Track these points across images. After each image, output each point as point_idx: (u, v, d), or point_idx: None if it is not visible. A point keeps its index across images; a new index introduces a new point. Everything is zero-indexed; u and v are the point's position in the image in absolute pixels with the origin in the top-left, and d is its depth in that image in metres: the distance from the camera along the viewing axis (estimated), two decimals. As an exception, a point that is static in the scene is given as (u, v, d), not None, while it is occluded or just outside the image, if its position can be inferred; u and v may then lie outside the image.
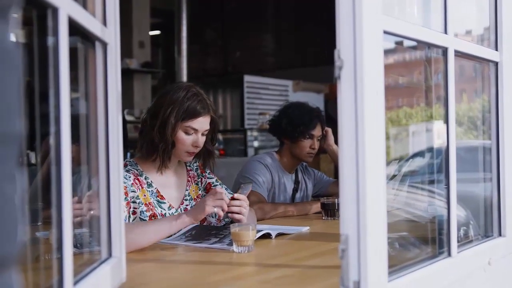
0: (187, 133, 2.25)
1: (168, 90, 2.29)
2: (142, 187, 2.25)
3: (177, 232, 2.12)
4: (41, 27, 1.06)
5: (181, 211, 2.32)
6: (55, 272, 1.05)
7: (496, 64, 1.85)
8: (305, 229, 2.40)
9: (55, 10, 1.02)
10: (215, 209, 2.08)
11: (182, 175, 2.43)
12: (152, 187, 2.28)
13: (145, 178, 2.28)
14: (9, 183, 0.57)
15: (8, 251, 0.57)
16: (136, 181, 2.23)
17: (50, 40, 1.04)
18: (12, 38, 0.59)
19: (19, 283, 0.61)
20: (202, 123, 2.27)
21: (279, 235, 2.22)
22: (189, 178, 2.44)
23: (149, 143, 2.26)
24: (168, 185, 2.35)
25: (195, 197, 2.42)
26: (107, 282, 1.32)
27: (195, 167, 2.49)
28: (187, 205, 2.37)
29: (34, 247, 1.36)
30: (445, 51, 1.55)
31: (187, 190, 2.41)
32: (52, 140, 1.03)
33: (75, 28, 1.15)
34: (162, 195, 2.29)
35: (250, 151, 7.61)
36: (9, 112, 0.57)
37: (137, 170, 2.27)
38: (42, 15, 1.04)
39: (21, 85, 0.60)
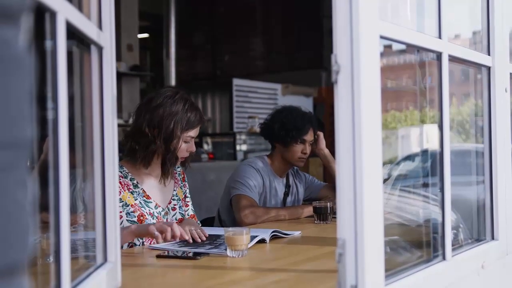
0: (186, 142, 2.36)
1: (164, 101, 2.31)
2: (125, 190, 2.29)
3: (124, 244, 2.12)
4: (37, 30, 1.05)
5: (168, 210, 2.42)
6: (52, 277, 1.04)
7: (489, 68, 1.86)
8: (297, 233, 2.40)
9: (53, 14, 1.01)
10: (156, 233, 1.98)
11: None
12: (138, 188, 2.34)
13: (131, 180, 2.33)
14: (21, 189, 0.56)
15: (20, 257, 0.57)
16: (119, 184, 2.25)
17: (48, 44, 1.03)
18: (23, 43, 0.59)
19: None
20: (198, 130, 2.40)
21: (273, 238, 2.23)
22: (176, 180, 2.53)
23: (151, 154, 2.32)
24: (155, 186, 2.41)
25: (182, 198, 2.52)
26: (103, 287, 1.31)
27: (178, 172, 2.57)
28: (175, 205, 2.46)
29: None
30: (439, 55, 1.56)
31: (174, 190, 2.49)
32: (50, 144, 1.02)
33: (71, 32, 1.14)
34: (148, 195, 2.35)
35: (239, 155, 7.60)
36: (21, 118, 0.57)
37: (121, 172, 2.29)
38: (38, 18, 1.03)
39: (32, 90, 0.60)
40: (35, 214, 0.61)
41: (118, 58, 7.63)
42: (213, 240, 2.17)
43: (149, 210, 2.32)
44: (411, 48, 1.64)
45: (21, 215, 0.57)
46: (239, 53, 10.28)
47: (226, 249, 1.92)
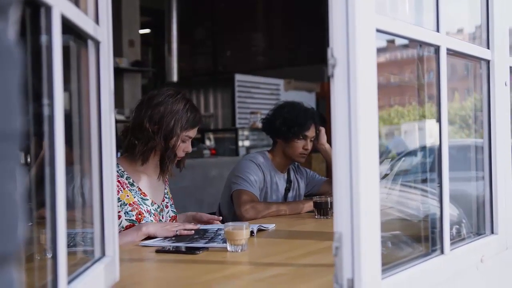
0: (183, 141, 2.39)
1: (165, 100, 2.36)
2: (124, 188, 2.33)
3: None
4: (33, 25, 1.05)
5: (162, 206, 2.47)
6: (49, 272, 1.05)
7: (488, 62, 1.86)
8: (271, 226, 2.43)
9: (48, 9, 1.01)
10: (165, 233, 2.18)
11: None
12: (134, 186, 2.37)
13: (126, 178, 2.37)
14: (10, 180, 0.57)
15: (9, 248, 0.57)
16: (117, 183, 2.27)
17: (43, 39, 1.04)
18: (12, 35, 0.59)
19: (19, 280, 0.61)
20: (196, 131, 2.44)
21: (259, 231, 2.27)
22: (166, 179, 2.56)
23: (150, 150, 2.35)
24: (149, 184, 2.44)
25: (171, 197, 2.57)
26: (101, 281, 1.32)
27: None
28: (167, 202, 2.51)
29: (26, 247, 1.36)
30: (437, 49, 1.56)
31: (165, 189, 2.54)
32: (45, 140, 1.03)
33: (68, 27, 1.14)
34: (144, 193, 2.39)
35: (242, 151, 7.60)
36: (11, 110, 0.57)
37: (117, 172, 2.31)
38: (34, 12, 1.03)
39: (21, 83, 0.61)
40: (25, 206, 0.62)
41: (120, 54, 7.63)
42: (202, 234, 2.17)
43: (146, 207, 2.36)
44: (413, 42, 1.63)
45: (11, 206, 0.57)
46: (240, 49, 10.28)
47: (222, 242, 1.93)
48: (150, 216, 2.35)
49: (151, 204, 2.39)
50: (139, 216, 2.30)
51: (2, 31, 0.56)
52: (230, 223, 1.99)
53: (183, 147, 2.40)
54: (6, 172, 0.56)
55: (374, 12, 1.25)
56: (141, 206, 2.33)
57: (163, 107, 2.33)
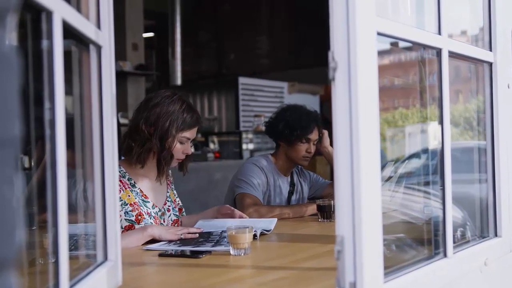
0: (181, 142, 2.38)
1: (162, 101, 2.36)
2: (125, 188, 2.34)
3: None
4: (34, 30, 1.05)
5: (164, 210, 2.46)
6: (51, 276, 1.05)
7: (491, 64, 1.85)
8: (273, 222, 2.44)
9: (49, 14, 1.02)
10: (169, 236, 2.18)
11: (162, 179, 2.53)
12: (136, 187, 2.38)
13: (128, 180, 2.37)
14: (8, 186, 0.57)
15: (7, 253, 0.57)
16: (119, 182, 2.28)
17: (44, 43, 1.04)
18: (10, 42, 0.59)
19: (18, 286, 0.61)
20: (195, 132, 2.43)
21: (262, 234, 2.27)
22: (168, 182, 2.56)
23: (146, 152, 2.34)
24: (151, 187, 2.44)
25: (174, 200, 2.55)
26: (103, 285, 1.32)
27: (170, 176, 2.61)
28: (169, 206, 2.50)
29: (29, 251, 1.36)
30: (439, 52, 1.56)
31: (168, 192, 2.53)
32: (47, 144, 1.03)
33: (69, 31, 1.15)
34: (145, 195, 2.39)
35: (246, 154, 7.59)
36: (8, 116, 0.57)
37: (119, 172, 2.31)
38: (35, 18, 1.03)
39: (19, 88, 0.61)
40: (24, 211, 0.62)
41: (123, 57, 7.63)
42: (206, 238, 2.17)
43: (147, 209, 2.36)
44: (415, 45, 1.63)
45: (9, 212, 0.57)
46: (244, 51, 10.27)
47: (226, 246, 1.93)
48: (150, 218, 2.34)
49: (152, 207, 2.39)
50: (139, 217, 2.30)
51: (0, 38, 0.56)
52: (233, 227, 1.99)
53: (182, 149, 2.39)
54: (3, 178, 0.56)
55: (375, 14, 1.25)
56: (141, 207, 2.33)
57: (159, 108, 2.33)
